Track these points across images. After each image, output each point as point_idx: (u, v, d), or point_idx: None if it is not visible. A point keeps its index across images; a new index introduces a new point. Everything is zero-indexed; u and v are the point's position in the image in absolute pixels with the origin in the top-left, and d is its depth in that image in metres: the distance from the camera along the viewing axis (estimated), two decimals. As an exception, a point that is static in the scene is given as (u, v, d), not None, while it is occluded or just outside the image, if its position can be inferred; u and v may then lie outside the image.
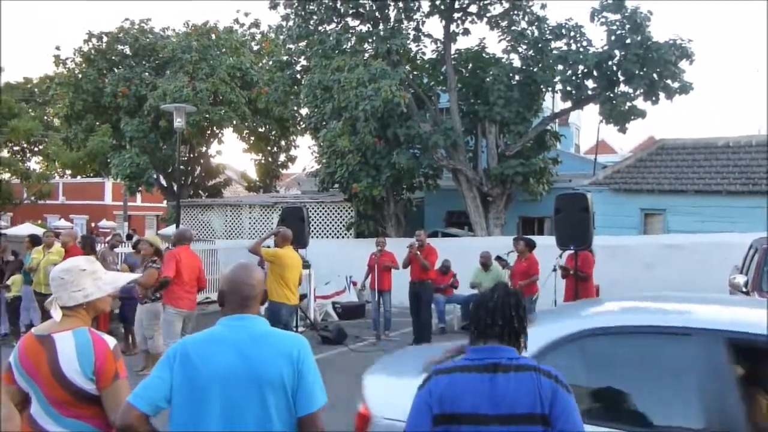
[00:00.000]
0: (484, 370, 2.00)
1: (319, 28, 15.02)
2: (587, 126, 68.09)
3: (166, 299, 7.14)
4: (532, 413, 1.92)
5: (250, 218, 18.42)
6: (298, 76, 16.20)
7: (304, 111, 17.25)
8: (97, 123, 18.81)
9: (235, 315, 2.25)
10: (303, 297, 11.62)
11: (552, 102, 17.00)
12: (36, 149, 31.90)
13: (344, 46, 14.37)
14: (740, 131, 36.92)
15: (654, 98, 13.35)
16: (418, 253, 9.77)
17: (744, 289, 7.61)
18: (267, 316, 7.44)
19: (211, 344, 2.21)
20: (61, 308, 2.56)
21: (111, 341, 2.55)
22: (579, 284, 7.89)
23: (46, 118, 28.77)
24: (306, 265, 11.68)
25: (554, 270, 8.71)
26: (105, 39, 18.42)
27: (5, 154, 25.91)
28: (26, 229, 18.03)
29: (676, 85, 13.14)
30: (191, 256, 7.42)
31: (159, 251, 7.45)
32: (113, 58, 18.59)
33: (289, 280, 7.61)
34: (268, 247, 8.38)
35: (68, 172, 33.07)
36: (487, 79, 14.82)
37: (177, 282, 7.05)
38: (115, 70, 18.45)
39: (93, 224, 31.18)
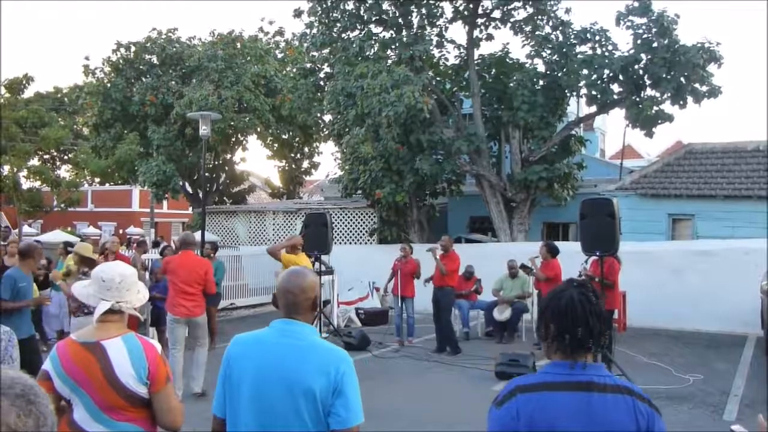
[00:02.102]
0: (577, 389, 1.87)
1: (343, 35, 15.10)
2: (612, 131, 67.39)
3: (167, 307, 7.24)
4: None
5: (273, 224, 18.54)
6: (322, 83, 16.30)
7: (327, 118, 17.35)
8: (125, 131, 19.13)
9: (284, 319, 2.28)
10: (326, 303, 11.67)
11: (577, 107, 16.85)
12: (66, 157, 32.52)
13: (367, 53, 14.42)
14: (771, 135, 36.16)
15: (681, 102, 13.13)
16: (438, 257, 9.77)
17: (776, 296, 7.44)
18: None
19: (250, 344, 2.28)
20: (103, 314, 2.62)
21: (158, 346, 2.64)
22: (605, 291, 7.77)
23: (75, 126, 29.33)
24: (329, 270, 11.74)
25: (580, 275, 8.59)
26: (133, 49, 18.77)
27: (36, 162, 26.45)
28: (56, 236, 18.35)
29: (704, 88, 12.92)
30: (193, 261, 7.14)
31: (88, 261, 6.82)
32: (141, 67, 18.92)
33: None
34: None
35: (97, 180, 33.65)
36: (511, 84, 14.73)
37: (171, 288, 7.03)
38: (143, 79, 18.77)
39: (121, 231, 31.65)
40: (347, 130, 14.75)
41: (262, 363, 2.18)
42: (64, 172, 32.36)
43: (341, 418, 2.10)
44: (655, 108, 13.37)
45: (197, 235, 15.12)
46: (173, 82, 18.57)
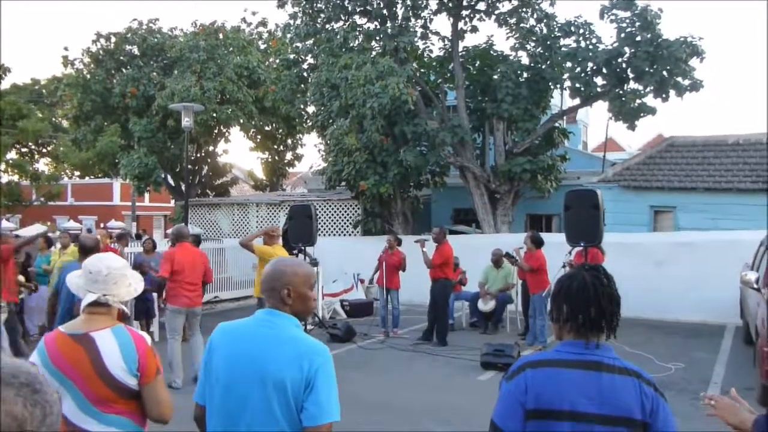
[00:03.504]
0: (587, 367, 1.92)
1: (327, 26, 15.03)
2: (595, 124, 67.88)
3: (167, 298, 7.33)
4: (633, 418, 1.86)
5: (257, 217, 18.45)
6: (305, 74, 16.21)
7: (310, 109, 17.25)
8: (106, 123, 18.88)
9: (268, 309, 2.24)
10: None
11: (561, 99, 16.94)
12: (44, 150, 32.07)
13: (351, 44, 14.36)
14: (749, 129, 36.69)
15: (664, 96, 13.27)
16: (424, 249, 9.83)
17: (755, 286, 7.56)
18: None
19: (230, 332, 2.25)
20: (90, 306, 2.60)
21: (147, 338, 2.63)
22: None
23: (54, 119, 28.92)
24: (314, 262, 11.72)
25: (563, 266, 8.67)
26: (113, 39, 18.50)
27: (13, 155, 26.03)
28: (36, 230, 18.10)
29: (686, 82, 13.06)
30: (192, 252, 7.44)
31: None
32: (121, 58, 18.66)
33: None
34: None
35: (76, 173, 33.24)
36: (495, 77, 14.78)
37: (174, 280, 7.19)
38: (124, 70, 18.53)
39: (102, 225, 31.31)
40: (331, 121, 14.70)
41: (236, 352, 2.16)
42: (43, 165, 31.95)
43: (310, 414, 2.03)
44: (638, 101, 13.51)
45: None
46: (154, 74, 18.36)
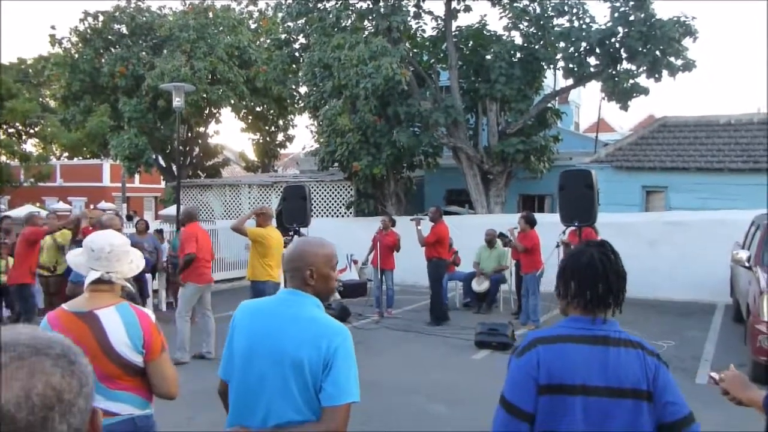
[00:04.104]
0: (594, 342, 1.95)
1: (319, 5, 14.86)
2: (586, 104, 67.77)
3: (187, 276, 7.44)
4: (638, 388, 1.91)
5: (249, 198, 18.40)
6: (297, 54, 16.08)
7: (302, 89, 17.15)
8: (95, 103, 18.69)
9: (290, 289, 2.24)
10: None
11: (554, 79, 16.92)
12: (32, 131, 31.71)
13: (344, 24, 14.25)
14: (739, 110, 36.85)
15: (657, 76, 13.28)
16: (419, 228, 9.91)
17: (747, 264, 7.65)
18: (251, 296, 7.55)
19: (250, 311, 2.26)
20: (93, 284, 2.60)
21: (151, 315, 2.64)
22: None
23: (41, 99, 28.56)
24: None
25: (557, 246, 8.73)
26: (101, 18, 18.22)
27: (1, 135, 25.74)
28: (26, 211, 17.97)
29: (679, 62, 13.08)
30: (203, 231, 7.82)
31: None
32: (110, 37, 18.42)
33: (273, 259, 7.75)
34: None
35: (65, 154, 32.96)
36: (488, 57, 14.71)
37: (197, 258, 7.41)
38: (112, 49, 18.30)
39: (92, 206, 31.11)
40: (324, 102, 14.62)
41: (256, 330, 2.17)
42: (31, 146, 31.62)
43: (328, 394, 2.03)
44: (631, 81, 13.53)
45: (173, 210, 15.02)
46: (144, 53, 18.14)
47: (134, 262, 2.78)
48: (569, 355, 1.93)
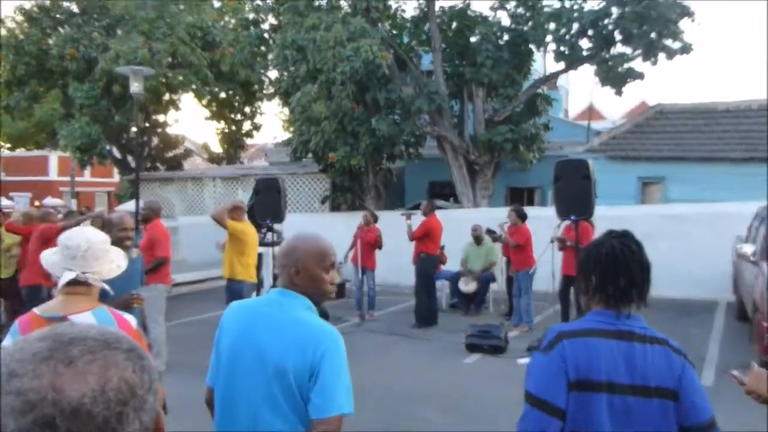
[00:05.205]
0: (620, 337, 1.99)
1: (290, -19, 14.79)
2: (575, 90, 68.52)
3: (157, 278, 7.28)
4: (664, 387, 1.95)
5: (214, 193, 18.28)
6: (267, 35, 15.99)
7: (273, 74, 17.08)
8: (42, 89, 18.36)
9: (280, 289, 2.21)
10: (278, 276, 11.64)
11: (543, 63, 17.07)
12: (-31, 119, 31.04)
13: (318, 2, 14.20)
14: (731, 97, 37.53)
15: (653, 59, 13.48)
16: (409, 222, 9.95)
17: (752, 259, 7.83)
18: (227, 298, 7.53)
19: (238, 312, 2.25)
20: (68, 285, 2.56)
21: (132, 320, 2.59)
22: (578, 256, 8.01)
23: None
24: (281, 241, 11.69)
25: (552, 242, 8.85)
26: (49, -6, 17.94)
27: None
28: (-36, 207, 17.60)
29: (676, 45, 13.29)
30: (165, 229, 7.64)
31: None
32: (59, 16, 18.13)
33: (250, 257, 7.79)
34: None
35: (6, 145, 32.30)
36: (474, 39, 14.80)
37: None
38: (61, 29, 18.00)
39: (37, 202, 30.55)
40: (296, 87, 14.55)
41: (240, 332, 2.15)
42: (-32, 136, 30.91)
43: (316, 405, 1.97)
44: (626, 65, 13.70)
45: (130, 206, 14.82)
46: (97, 34, 17.84)
47: (115, 261, 2.75)
48: (595, 349, 1.97)
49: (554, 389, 1.95)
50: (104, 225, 5.36)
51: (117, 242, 4.30)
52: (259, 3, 15.88)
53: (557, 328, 2.09)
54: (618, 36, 13.63)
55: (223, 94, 20.90)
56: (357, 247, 10.41)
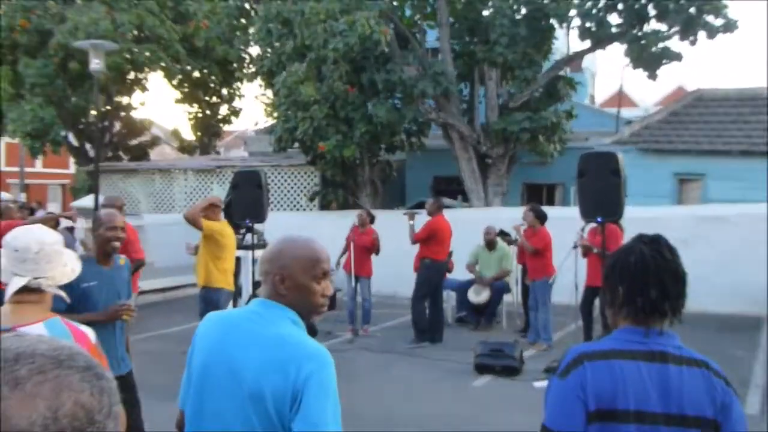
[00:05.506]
0: (651, 359, 1.99)
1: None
2: (602, 73, 68.62)
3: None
4: (704, 417, 1.94)
5: (185, 186, 18.28)
6: (248, 6, 15.99)
7: (254, 51, 17.06)
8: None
9: (263, 299, 2.19)
10: (259, 284, 11.63)
11: (566, 41, 17.07)
12: None
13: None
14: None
15: (692, 38, 13.50)
16: (411, 222, 9.98)
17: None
18: (201, 308, 7.54)
19: (214, 325, 2.25)
20: (18, 293, 2.56)
21: (90, 333, 2.58)
22: (605, 265, 8.02)
23: None
24: (262, 244, 11.68)
25: (574, 247, 8.86)
26: (-5, -43, 17.91)
27: None
28: None
29: (718, 21, 13.29)
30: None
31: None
32: (7, -19, 18.08)
33: (228, 261, 7.81)
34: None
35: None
36: (487, 13, 14.79)
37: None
38: (10, -3, 17.98)
39: (-20, 196, 30.53)
40: (282, 66, 14.55)
41: (213, 349, 2.15)
42: None
43: None
44: (661, 44, 13.71)
45: (88, 200, 14.82)
46: (52, 2, 17.85)
47: (69, 265, 2.75)
48: (621, 374, 1.96)
49: (572, 420, 1.95)
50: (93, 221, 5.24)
51: (104, 243, 4.27)
52: (240, -32, 15.93)
53: (578, 348, 2.08)
54: (652, 11, 13.61)
55: (196, 74, 20.89)
56: (350, 252, 10.40)
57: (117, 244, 4.29)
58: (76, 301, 4.14)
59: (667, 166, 14.63)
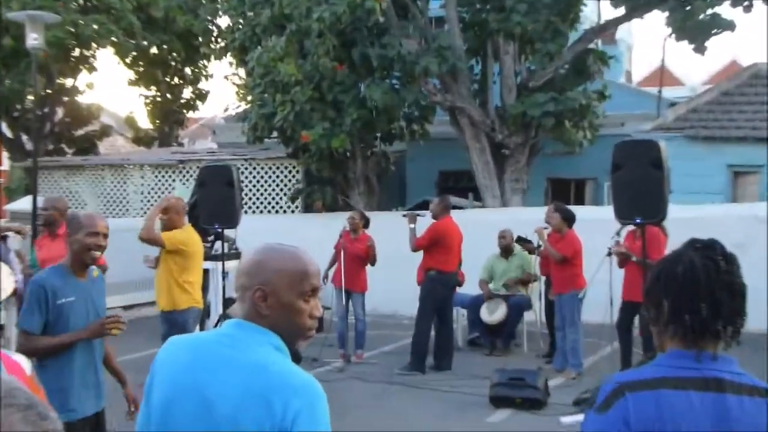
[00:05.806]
0: (705, 388, 1.99)
1: None
2: (640, 45, 68.74)
3: None
4: None
5: (141, 185, 18.27)
6: (215, -32, 16.02)
7: (223, 22, 17.06)
8: None
9: (238, 320, 2.17)
10: (231, 301, 11.62)
11: (597, 8, 17.10)
12: None
13: None
14: None
15: (747, 3, 13.53)
16: (412, 226, 9.96)
17: None
18: (164, 331, 7.52)
19: (178, 350, 2.23)
20: None
21: (26, 364, 2.58)
22: (645, 275, 8.03)
23: None
24: (236, 254, 11.68)
25: (609, 254, 8.86)
26: None
27: None
28: None
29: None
30: None
31: None
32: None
33: (194, 273, 7.83)
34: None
35: None
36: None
37: None
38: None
39: None
40: (257, 40, 14.56)
41: (177, 377, 2.14)
42: None
43: None
44: (710, 11, 13.73)
45: (25, 203, 14.85)
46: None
47: (1, 282, 2.75)
48: (670, 405, 1.97)
49: None
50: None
51: (82, 251, 4.25)
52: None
53: (617, 377, 2.09)
54: (699, -30, 13.68)
55: (154, 50, 20.97)
56: (340, 263, 10.40)
57: (97, 253, 4.28)
58: (52, 320, 4.21)
59: (719, 156, 14.63)
